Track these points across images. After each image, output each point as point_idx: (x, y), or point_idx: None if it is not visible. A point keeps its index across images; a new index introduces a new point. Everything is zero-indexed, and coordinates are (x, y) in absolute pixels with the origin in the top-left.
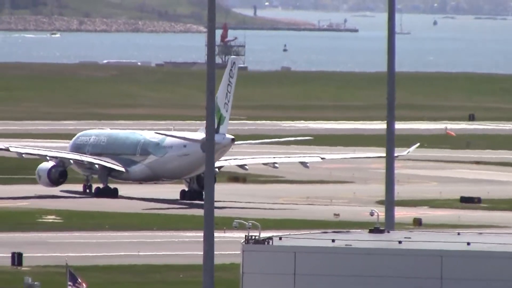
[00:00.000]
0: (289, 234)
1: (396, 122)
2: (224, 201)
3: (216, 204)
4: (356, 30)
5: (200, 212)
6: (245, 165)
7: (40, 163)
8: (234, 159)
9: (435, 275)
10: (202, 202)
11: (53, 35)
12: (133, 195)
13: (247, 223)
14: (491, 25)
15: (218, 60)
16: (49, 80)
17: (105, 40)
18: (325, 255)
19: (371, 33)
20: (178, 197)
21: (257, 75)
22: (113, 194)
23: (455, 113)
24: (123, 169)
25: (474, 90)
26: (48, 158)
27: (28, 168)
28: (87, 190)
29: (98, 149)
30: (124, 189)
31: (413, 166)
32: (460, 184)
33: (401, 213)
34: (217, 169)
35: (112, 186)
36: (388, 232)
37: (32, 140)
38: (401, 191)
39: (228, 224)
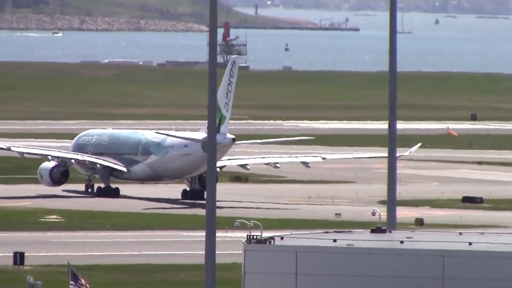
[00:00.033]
0: (291, 234)
1: (398, 122)
2: (225, 201)
3: (217, 204)
4: (357, 29)
5: (201, 211)
6: (247, 165)
7: (42, 163)
8: (236, 159)
9: (437, 275)
10: (204, 202)
11: (55, 34)
12: (135, 195)
13: (249, 223)
14: (493, 24)
15: (219, 59)
16: (50, 79)
17: (107, 39)
18: (326, 255)
19: (373, 32)
20: (179, 196)
21: (259, 75)
22: (115, 193)
23: (457, 113)
24: (124, 169)
25: (476, 90)
26: (49, 157)
27: (30, 167)
28: (89, 190)
29: (100, 149)
30: (125, 189)
31: (415, 166)
32: (462, 184)
33: (403, 213)
34: (218, 169)
35: (113, 185)
36: (390, 232)
37: (34, 139)
38: (403, 191)
39: (230, 223)
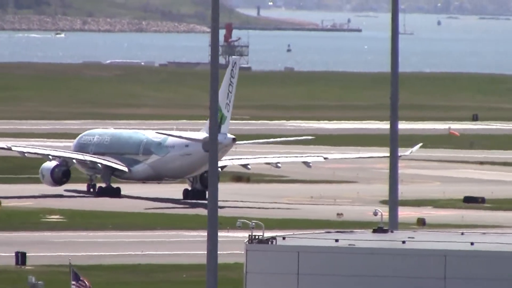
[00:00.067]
0: (293, 233)
1: (399, 122)
2: (227, 201)
3: (219, 204)
4: (359, 30)
5: (203, 211)
6: (248, 164)
7: (43, 163)
8: (237, 158)
9: (438, 275)
10: (205, 202)
11: (57, 35)
12: (136, 195)
13: (250, 223)
14: (494, 25)
15: (221, 60)
16: (52, 80)
17: (109, 40)
18: (328, 255)
19: (375, 33)
20: (181, 196)
21: (261, 75)
22: (116, 193)
23: (458, 113)
24: (126, 169)
25: (478, 90)
26: (50, 157)
27: (32, 167)
28: (91, 190)
29: (102, 149)
30: (127, 188)
31: (416, 166)
32: (463, 184)
33: (405, 213)
34: (219, 169)
35: (114, 185)
36: (392, 232)
37: (36, 139)
38: (404, 191)
39: (231, 223)
